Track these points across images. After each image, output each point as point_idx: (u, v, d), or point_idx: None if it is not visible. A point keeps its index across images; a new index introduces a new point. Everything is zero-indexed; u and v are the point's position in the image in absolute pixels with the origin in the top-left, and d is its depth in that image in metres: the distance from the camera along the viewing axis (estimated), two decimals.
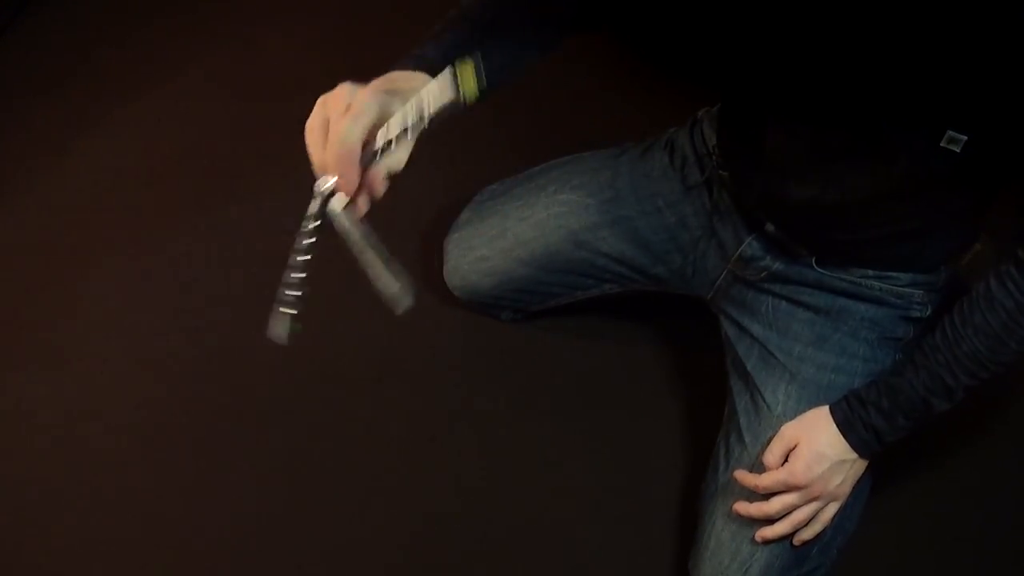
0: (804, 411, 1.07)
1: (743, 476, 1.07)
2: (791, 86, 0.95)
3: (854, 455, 1.03)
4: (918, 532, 1.24)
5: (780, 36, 0.93)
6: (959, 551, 1.23)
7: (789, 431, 1.06)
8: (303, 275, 0.86)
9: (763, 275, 1.15)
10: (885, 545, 1.22)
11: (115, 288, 1.54)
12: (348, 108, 0.83)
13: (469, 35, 0.94)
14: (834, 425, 1.03)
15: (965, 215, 1.04)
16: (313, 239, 0.86)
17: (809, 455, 1.03)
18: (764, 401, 1.12)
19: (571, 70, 1.68)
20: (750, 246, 1.14)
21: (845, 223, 1.03)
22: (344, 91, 0.86)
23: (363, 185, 0.86)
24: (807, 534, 1.07)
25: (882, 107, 0.89)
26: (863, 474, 1.07)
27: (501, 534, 1.28)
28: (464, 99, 0.85)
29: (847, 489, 1.06)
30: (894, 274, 1.09)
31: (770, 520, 1.06)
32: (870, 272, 1.09)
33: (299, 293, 0.86)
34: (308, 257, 0.86)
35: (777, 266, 1.13)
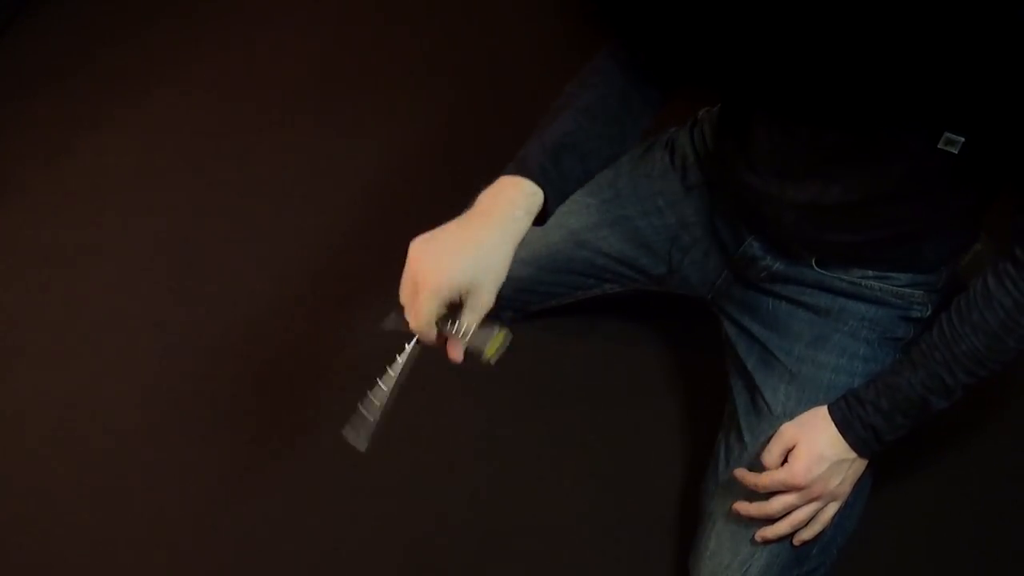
0: (804, 411, 1.07)
1: (743, 475, 1.07)
2: (788, 88, 0.96)
3: (853, 455, 1.03)
4: (918, 532, 1.24)
5: (777, 38, 0.93)
6: (959, 551, 1.23)
7: (788, 431, 1.06)
8: (388, 392, 0.95)
9: (763, 275, 1.15)
10: (885, 545, 1.22)
11: (115, 288, 1.54)
12: (429, 281, 0.87)
13: (567, 125, 0.98)
14: (833, 425, 1.03)
15: (964, 216, 1.04)
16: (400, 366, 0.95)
17: (809, 455, 1.03)
18: (764, 401, 1.12)
19: (571, 70, 1.68)
20: (750, 246, 1.14)
21: (844, 224, 1.03)
22: (432, 256, 0.89)
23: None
24: (807, 534, 1.07)
25: (879, 109, 0.89)
26: (863, 474, 1.07)
27: (501, 534, 1.28)
28: (486, 357, 0.93)
29: (847, 489, 1.06)
30: (894, 274, 1.09)
31: (770, 520, 1.06)
32: (870, 272, 1.09)
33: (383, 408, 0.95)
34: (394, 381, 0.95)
35: (777, 266, 1.13)
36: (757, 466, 1.08)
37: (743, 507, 1.07)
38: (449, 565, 1.27)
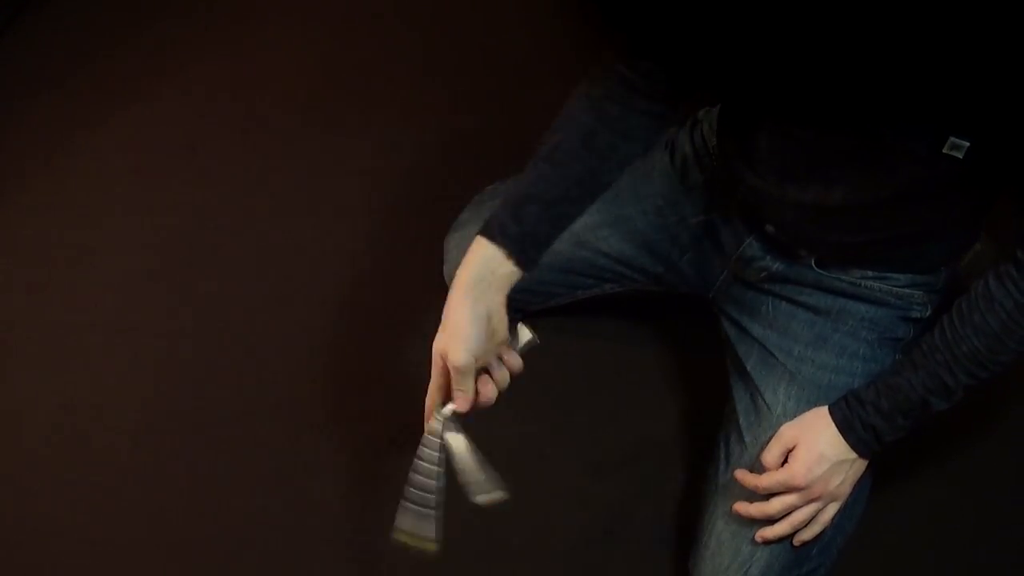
0: (804, 411, 1.07)
1: (743, 476, 1.07)
2: (791, 91, 0.95)
3: (854, 455, 1.03)
4: (918, 532, 1.24)
5: (781, 41, 0.92)
6: (959, 551, 1.23)
7: (788, 432, 1.06)
8: (435, 484, 0.99)
9: (763, 275, 1.15)
10: (885, 545, 1.22)
11: (115, 287, 1.54)
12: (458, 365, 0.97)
13: (544, 215, 1.03)
14: (833, 425, 1.03)
15: (966, 217, 1.04)
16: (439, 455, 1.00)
17: (809, 456, 1.03)
18: (764, 401, 1.12)
19: (571, 70, 1.68)
20: (750, 246, 1.14)
21: (845, 226, 1.03)
22: (446, 347, 0.98)
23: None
24: (807, 534, 1.07)
25: (883, 114, 0.89)
26: (863, 474, 1.07)
27: (499, 533, 1.28)
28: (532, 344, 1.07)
29: (847, 489, 1.06)
30: (894, 275, 1.09)
31: (770, 520, 1.06)
32: (870, 273, 1.09)
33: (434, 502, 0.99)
34: (438, 469, 1.00)
35: (777, 267, 1.13)
36: (757, 466, 1.08)
37: (743, 507, 1.07)
38: (448, 565, 1.27)
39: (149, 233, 1.59)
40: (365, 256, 1.53)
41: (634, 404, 1.37)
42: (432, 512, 0.98)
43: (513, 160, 1.40)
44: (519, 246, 1.00)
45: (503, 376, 1.03)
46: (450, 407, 1.00)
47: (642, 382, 1.39)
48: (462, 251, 1.34)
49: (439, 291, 1.39)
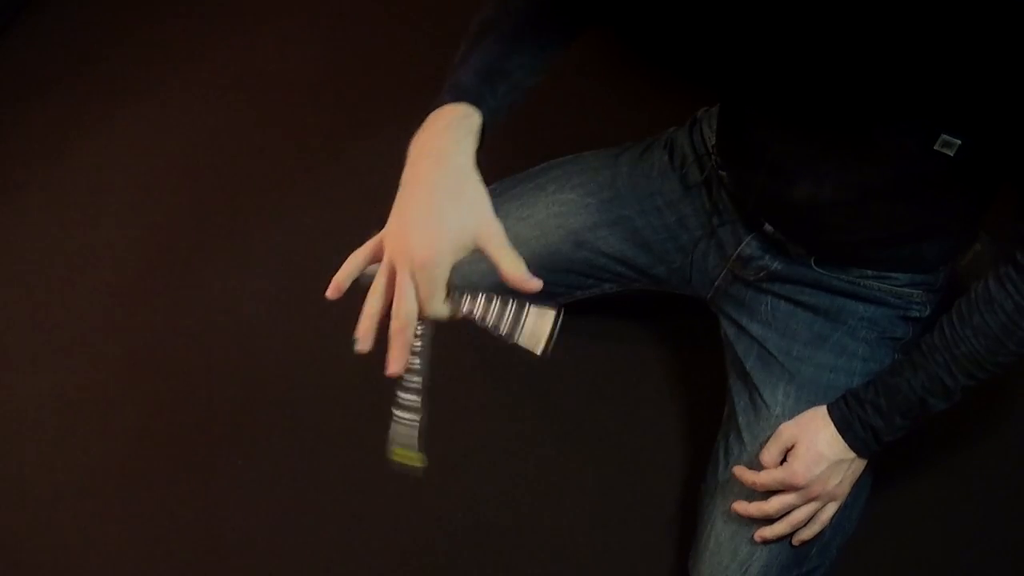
0: (803, 411, 1.07)
1: (742, 472, 1.07)
2: (784, 87, 0.95)
3: (852, 455, 1.03)
4: (918, 532, 1.24)
5: (774, 36, 0.92)
6: (959, 551, 1.23)
7: (787, 431, 1.06)
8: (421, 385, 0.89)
9: (762, 275, 1.15)
10: (885, 545, 1.22)
11: (115, 288, 1.54)
12: (426, 256, 0.82)
13: (496, 50, 0.93)
14: (832, 425, 1.03)
15: (963, 217, 1.04)
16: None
17: (808, 455, 1.03)
18: (763, 401, 1.12)
19: (571, 70, 1.68)
20: (749, 246, 1.14)
21: (842, 224, 1.03)
22: (417, 229, 0.84)
23: None
24: (806, 534, 1.07)
25: (874, 110, 0.89)
26: (862, 474, 1.07)
27: (500, 534, 1.28)
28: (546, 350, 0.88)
29: (846, 489, 1.06)
30: (893, 274, 1.09)
31: (769, 520, 1.06)
32: (869, 272, 1.09)
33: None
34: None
35: (776, 266, 1.13)
36: (756, 466, 1.08)
37: (742, 507, 1.07)
38: (448, 565, 1.27)
39: (149, 233, 1.59)
40: None
41: (634, 404, 1.37)
42: (417, 424, 0.90)
43: (513, 160, 1.41)
44: (491, 115, 0.89)
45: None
46: (425, 326, 0.86)
47: (642, 382, 1.39)
48: None
49: None
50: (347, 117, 1.72)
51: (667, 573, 1.23)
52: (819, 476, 1.02)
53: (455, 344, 1.43)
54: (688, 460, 1.31)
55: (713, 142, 1.18)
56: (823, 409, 1.05)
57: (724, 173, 1.15)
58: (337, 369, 1.43)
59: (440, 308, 0.84)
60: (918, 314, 1.11)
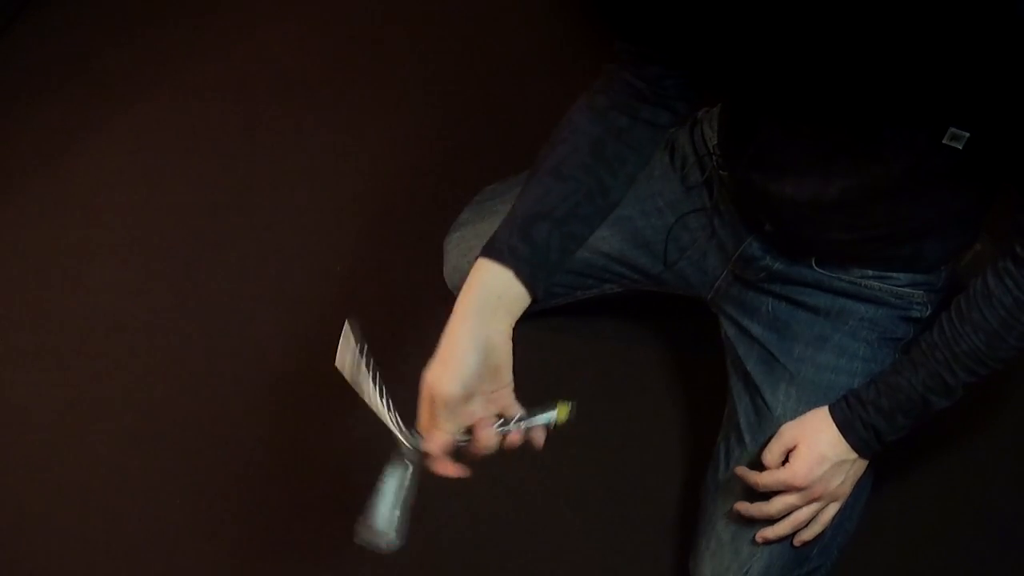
0: (804, 412, 1.07)
1: (744, 473, 1.07)
2: (791, 85, 0.95)
3: (854, 455, 1.03)
4: (918, 532, 1.24)
5: (780, 34, 0.92)
6: (959, 551, 1.23)
7: (789, 431, 1.06)
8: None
9: (763, 275, 1.15)
10: (885, 545, 1.22)
11: (116, 287, 1.54)
12: (437, 394, 0.90)
13: (554, 233, 0.95)
14: (834, 425, 1.03)
15: (965, 215, 1.04)
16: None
17: (810, 456, 1.03)
18: (764, 402, 1.12)
19: (571, 70, 1.68)
20: (750, 246, 1.14)
21: (845, 223, 1.03)
22: (434, 373, 0.92)
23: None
24: (807, 535, 1.07)
25: (884, 105, 0.88)
26: (863, 474, 1.07)
27: (500, 534, 1.28)
28: (554, 425, 0.98)
29: (847, 489, 1.06)
30: (894, 274, 1.09)
31: (770, 520, 1.06)
32: (870, 272, 1.09)
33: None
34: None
35: (777, 266, 1.13)
36: (757, 467, 1.08)
37: (743, 507, 1.07)
38: (448, 565, 1.27)
39: (149, 233, 1.59)
40: (365, 256, 1.53)
41: (634, 404, 1.37)
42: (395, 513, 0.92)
43: (513, 160, 1.41)
44: (529, 268, 0.92)
45: (508, 440, 0.95)
46: (419, 440, 0.92)
47: (642, 382, 1.39)
48: (462, 251, 1.35)
49: (439, 291, 1.40)
50: (346, 118, 1.71)
51: (667, 573, 1.23)
52: (821, 477, 1.02)
53: None
54: (688, 460, 1.31)
55: (714, 142, 1.18)
56: (825, 410, 1.05)
57: (725, 173, 1.15)
58: (337, 369, 1.42)
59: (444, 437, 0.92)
60: (919, 314, 1.11)
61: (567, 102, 1.76)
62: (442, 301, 1.43)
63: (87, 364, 1.46)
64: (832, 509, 1.06)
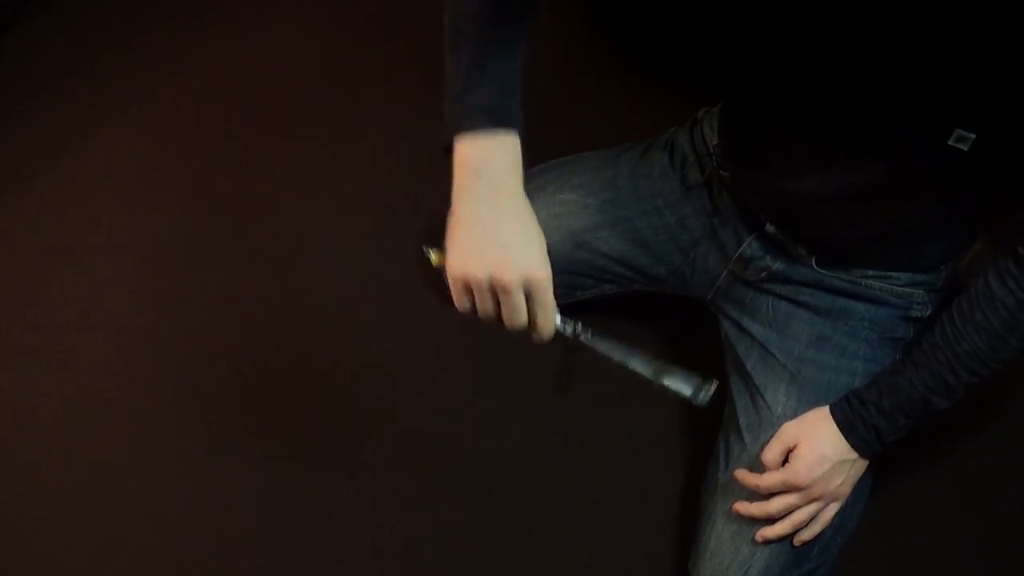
0: (804, 411, 1.07)
1: (744, 475, 1.07)
2: (798, 84, 0.95)
3: (855, 455, 1.03)
4: (918, 532, 1.24)
5: (788, 35, 0.92)
6: (959, 551, 1.23)
7: (789, 431, 1.06)
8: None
9: (763, 275, 1.15)
10: (885, 545, 1.22)
11: (117, 287, 1.54)
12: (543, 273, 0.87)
13: (497, 55, 0.96)
14: (835, 425, 1.03)
15: (965, 214, 1.04)
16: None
17: (811, 456, 1.03)
18: (764, 401, 1.12)
19: (571, 70, 1.68)
20: (750, 246, 1.14)
21: (847, 221, 1.03)
22: (522, 246, 0.88)
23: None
24: (807, 534, 1.07)
25: (891, 106, 0.88)
26: (863, 474, 1.07)
27: (500, 535, 1.28)
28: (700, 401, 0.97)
29: (848, 489, 1.06)
30: (894, 274, 1.09)
31: (770, 520, 1.06)
32: (870, 272, 1.09)
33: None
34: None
35: (777, 266, 1.13)
36: (757, 467, 1.08)
37: (743, 507, 1.07)
38: (448, 565, 1.27)
39: (150, 233, 1.59)
40: (365, 256, 1.53)
41: (633, 404, 1.37)
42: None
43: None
44: (522, 121, 0.94)
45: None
46: (573, 323, 0.92)
47: (642, 382, 1.39)
48: None
49: (438, 291, 1.40)
50: (346, 118, 1.71)
51: (667, 573, 1.23)
52: (822, 476, 1.02)
53: (454, 346, 1.43)
54: (688, 460, 1.31)
55: (714, 142, 1.18)
56: (825, 410, 1.05)
57: (725, 173, 1.15)
58: (336, 368, 1.43)
59: (554, 322, 0.91)
60: (919, 314, 1.11)
61: (568, 102, 1.77)
62: (442, 301, 1.43)
63: (87, 364, 1.46)
64: (832, 509, 1.06)
